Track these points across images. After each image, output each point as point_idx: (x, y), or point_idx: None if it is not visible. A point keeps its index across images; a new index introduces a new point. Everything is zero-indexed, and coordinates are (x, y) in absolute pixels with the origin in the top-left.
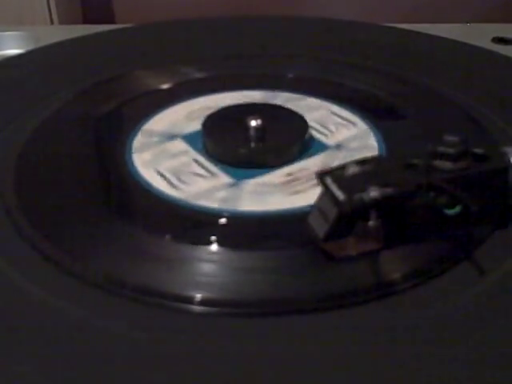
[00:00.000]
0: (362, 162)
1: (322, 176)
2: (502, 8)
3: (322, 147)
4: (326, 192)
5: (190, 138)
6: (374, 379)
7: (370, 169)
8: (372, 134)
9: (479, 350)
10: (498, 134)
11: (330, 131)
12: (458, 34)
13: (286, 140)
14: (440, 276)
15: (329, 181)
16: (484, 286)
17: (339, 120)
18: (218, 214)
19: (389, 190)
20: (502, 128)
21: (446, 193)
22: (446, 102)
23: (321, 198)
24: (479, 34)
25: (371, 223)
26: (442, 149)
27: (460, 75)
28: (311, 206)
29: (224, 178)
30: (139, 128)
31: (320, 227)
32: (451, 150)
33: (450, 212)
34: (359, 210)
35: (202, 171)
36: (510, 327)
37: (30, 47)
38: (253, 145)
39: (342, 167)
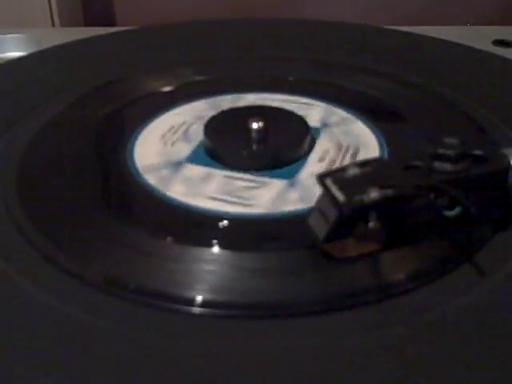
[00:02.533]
0: (362, 164)
1: (322, 177)
2: (503, 10)
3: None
4: (326, 193)
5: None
6: (375, 381)
7: (370, 170)
8: (373, 136)
9: (480, 351)
10: (499, 135)
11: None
12: (459, 36)
13: (281, 147)
14: (441, 278)
15: (329, 182)
16: (486, 287)
17: (340, 124)
18: (219, 216)
19: (389, 192)
20: (502, 130)
21: (445, 194)
22: (446, 103)
23: (321, 199)
24: (480, 37)
25: (371, 224)
26: (441, 151)
27: (461, 77)
28: (311, 208)
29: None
30: (141, 130)
31: (320, 228)
32: (451, 152)
33: (450, 213)
34: (359, 211)
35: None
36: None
37: (32, 50)
38: (249, 148)
39: (343, 169)
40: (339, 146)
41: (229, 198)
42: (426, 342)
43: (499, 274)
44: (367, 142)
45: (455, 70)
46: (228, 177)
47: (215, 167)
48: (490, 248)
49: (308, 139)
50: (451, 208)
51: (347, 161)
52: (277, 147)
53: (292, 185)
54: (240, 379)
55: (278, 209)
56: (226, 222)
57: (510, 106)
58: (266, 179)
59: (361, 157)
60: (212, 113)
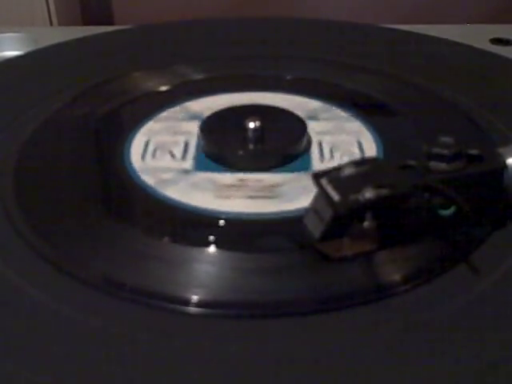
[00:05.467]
0: (357, 163)
1: (317, 177)
2: (501, 9)
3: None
4: (322, 193)
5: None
6: (373, 381)
7: (365, 170)
8: (370, 136)
9: (479, 351)
10: (496, 134)
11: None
12: (457, 34)
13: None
14: (437, 278)
15: (324, 182)
16: (483, 287)
17: (338, 122)
18: (216, 216)
19: (384, 191)
20: (499, 128)
21: (440, 194)
22: (444, 102)
23: (316, 198)
24: (478, 35)
25: (366, 224)
26: (437, 150)
27: (458, 76)
28: (307, 207)
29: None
30: (139, 129)
31: (315, 228)
32: (446, 151)
33: (445, 213)
34: (354, 210)
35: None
36: (510, 328)
37: (30, 49)
38: (245, 147)
39: (338, 168)
40: (336, 146)
41: (225, 198)
42: (424, 341)
43: (496, 273)
44: (364, 141)
45: (453, 69)
46: (219, 175)
47: (213, 167)
48: (487, 247)
49: (305, 137)
50: (446, 207)
51: (344, 160)
52: (279, 144)
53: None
54: (238, 379)
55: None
56: (222, 222)
57: (508, 105)
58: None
59: (357, 156)
60: (208, 112)
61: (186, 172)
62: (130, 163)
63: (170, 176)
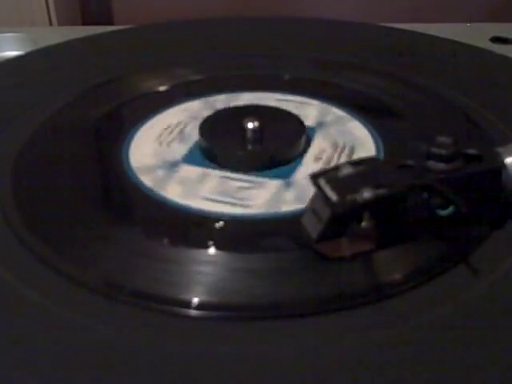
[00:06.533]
0: (355, 163)
1: (315, 177)
2: (501, 8)
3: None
4: (319, 193)
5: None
6: (373, 381)
7: (363, 170)
8: (369, 135)
9: (478, 350)
10: (496, 134)
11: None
12: (457, 33)
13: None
14: (435, 278)
15: (322, 182)
16: (482, 287)
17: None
18: (215, 217)
19: (382, 191)
20: (500, 128)
21: (438, 193)
22: (443, 102)
23: (314, 198)
24: (478, 34)
25: (364, 224)
26: (435, 149)
27: (457, 75)
28: (305, 207)
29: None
30: (138, 130)
31: (313, 228)
32: (444, 151)
33: (443, 213)
34: (352, 210)
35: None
36: (510, 328)
37: (29, 49)
38: (245, 148)
39: (336, 168)
40: (335, 145)
41: (224, 199)
42: (423, 342)
43: (495, 273)
44: (363, 141)
45: (453, 68)
46: (224, 177)
47: (211, 167)
48: (486, 247)
49: (303, 139)
50: (444, 207)
51: (343, 160)
52: (272, 147)
53: (288, 185)
54: (238, 380)
55: (274, 209)
56: (221, 223)
57: (507, 104)
58: (262, 179)
59: (356, 156)
60: (208, 112)
61: (186, 171)
62: (129, 164)
63: (169, 176)
